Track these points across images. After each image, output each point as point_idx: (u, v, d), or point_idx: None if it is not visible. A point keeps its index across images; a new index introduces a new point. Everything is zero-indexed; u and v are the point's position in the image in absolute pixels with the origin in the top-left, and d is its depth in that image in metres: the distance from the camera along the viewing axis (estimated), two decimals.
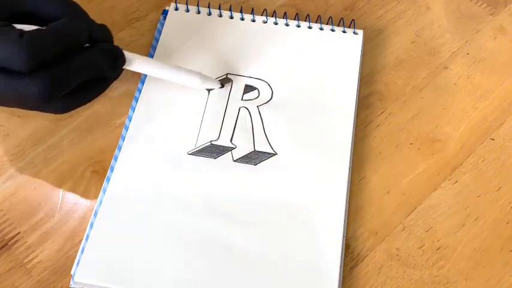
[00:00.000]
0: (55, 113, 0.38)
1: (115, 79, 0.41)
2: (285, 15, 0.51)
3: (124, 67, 0.41)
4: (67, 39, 0.36)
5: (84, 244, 0.40)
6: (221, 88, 0.47)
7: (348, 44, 0.50)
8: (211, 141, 0.45)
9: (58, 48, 0.35)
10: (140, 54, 0.49)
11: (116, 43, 0.41)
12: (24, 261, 0.40)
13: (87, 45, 0.38)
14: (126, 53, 0.41)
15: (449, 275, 0.41)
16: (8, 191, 0.43)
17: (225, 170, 0.43)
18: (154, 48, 0.49)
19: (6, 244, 0.41)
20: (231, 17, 0.51)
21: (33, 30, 0.35)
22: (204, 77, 0.45)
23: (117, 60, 0.39)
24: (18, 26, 0.35)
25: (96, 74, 0.38)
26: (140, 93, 0.47)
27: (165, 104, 0.46)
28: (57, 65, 0.35)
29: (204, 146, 0.44)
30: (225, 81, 0.47)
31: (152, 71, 0.44)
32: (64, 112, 0.38)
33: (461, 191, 0.44)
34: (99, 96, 0.40)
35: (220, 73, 0.48)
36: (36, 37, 0.34)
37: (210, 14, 0.51)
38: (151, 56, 0.48)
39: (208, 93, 0.47)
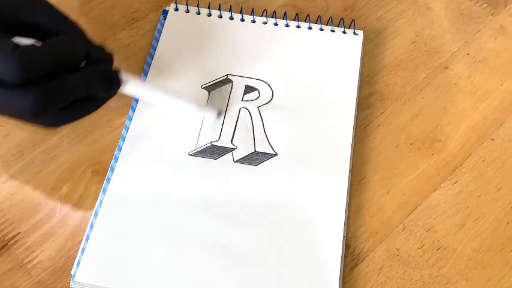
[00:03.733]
0: (45, 128, 0.38)
1: (109, 99, 0.40)
2: (285, 16, 0.51)
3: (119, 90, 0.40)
4: (62, 56, 0.36)
5: (85, 244, 0.40)
6: (219, 116, 0.45)
7: (348, 45, 0.50)
8: (211, 142, 0.45)
9: (52, 64, 0.35)
10: (140, 54, 0.50)
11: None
12: (24, 262, 0.40)
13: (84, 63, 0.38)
14: (123, 76, 0.40)
15: (450, 275, 0.41)
16: (8, 191, 0.43)
17: (226, 171, 0.43)
18: (154, 49, 0.49)
19: (6, 244, 0.41)
20: (231, 18, 0.51)
21: (27, 45, 0.35)
22: (200, 106, 0.44)
23: (111, 83, 0.39)
24: (19, 39, 0.35)
25: (88, 94, 0.38)
26: None
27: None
28: (50, 81, 0.35)
29: (205, 146, 0.44)
30: (218, 109, 0.45)
31: (149, 96, 0.43)
32: (54, 127, 0.38)
33: (462, 191, 0.44)
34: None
35: (221, 74, 0.48)
36: (30, 52, 0.34)
37: (210, 14, 0.51)
38: (151, 57, 0.48)
39: (209, 94, 0.47)
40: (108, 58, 0.39)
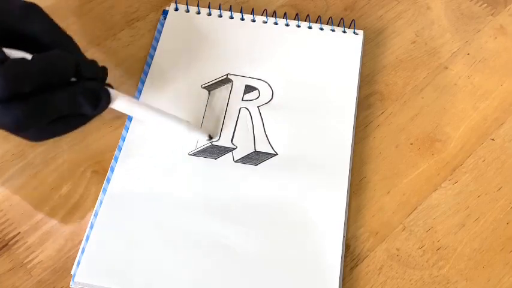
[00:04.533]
0: (29, 140, 0.37)
1: (96, 116, 0.39)
2: (285, 16, 0.51)
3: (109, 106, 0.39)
4: (51, 73, 0.34)
5: (85, 244, 0.40)
6: (209, 141, 0.44)
7: (348, 44, 0.50)
8: (211, 141, 0.45)
9: (40, 80, 0.34)
10: (140, 54, 0.50)
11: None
12: (25, 262, 0.40)
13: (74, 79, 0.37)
14: (112, 93, 0.38)
15: (450, 275, 0.41)
16: (8, 191, 0.43)
17: (226, 171, 0.43)
18: (154, 49, 0.49)
19: (7, 244, 0.41)
20: (231, 17, 0.51)
21: (16, 58, 0.34)
22: (191, 127, 0.44)
23: (99, 100, 0.37)
24: (9, 51, 0.35)
25: (75, 111, 0.37)
26: (140, 94, 0.47)
27: (165, 105, 0.46)
28: (36, 97, 0.34)
29: (205, 146, 0.44)
30: (209, 132, 0.45)
31: (138, 114, 0.42)
32: (37, 141, 0.37)
33: (462, 191, 0.44)
34: None
35: (221, 73, 0.48)
36: (18, 66, 0.33)
37: (210, 14, 0.51)
38: (151, 57, 0.48)
39: (209, 93, 0.47)
40: (98, 75, 0.38)
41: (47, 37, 0.37)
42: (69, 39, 0.38)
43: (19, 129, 0.34)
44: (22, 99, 0.33)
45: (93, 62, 0.38)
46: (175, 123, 0.43)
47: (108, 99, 0.38)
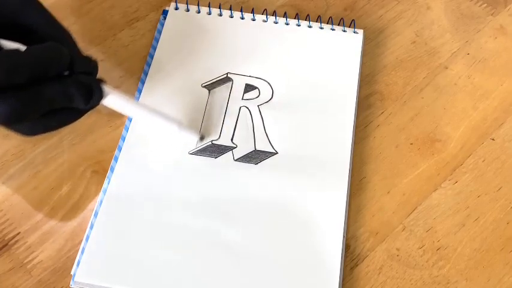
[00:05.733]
0: (22, 135, 0.37)
1: (90, 110, 0.38)
2: (285, 15, 0.51)
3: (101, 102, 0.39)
4: (44, 65, 0.34)
5: (84, 244, 0.40)
6: (201, 140, 0.44)
7: (348, 43, 0.50)
8: (212, 140, 0.45)
9: (33, 72, 0.34)
10: (140, 54, 0.50)
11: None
12: (25, 262, 0.40)
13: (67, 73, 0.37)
14: (106, 89, 0.38)
15: (450, 275, 0.41)
16: (8, 191, 0.43)
17: (226, 170, 0.43)
18: (154, 49, 0.49)
19: (7, 244, 0.41)
20: (231, 16, 0.51)
21: (9, 49, 0.34)
22: (182, 126, 0.44)
23: (92, 95, 0.37)
24: (3, 42, 0.35)
25: (67, 105, 0.36)
26: (140, 94, 0.47)
27: (165, 104, 0.46)
28: (28, 89, 0.34)
29: (205, 145, 0.44)
30: (201, 133, 0.45)
31: (129, 111, 0.42)
32: (31, 135, 0.37)
33: (462, 191, 0.44)
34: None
35: (221, 72, 0.48)
36: (11, 57, 0.33)
37: (210, 13, 0.51)
38: (152, 57, 0.48)
39: (209, 92, 0.47)
40: (92, 70, 0.38)
41: (43, 29, 0.37)
42: (65, 33, 0.38)
43: (12, 120, 0.34)
44: (15, 91, 0.33)
45: (87, 57, 0.38)
46: (165, 121, 0.43)
47: (100, 94, 0.38)
